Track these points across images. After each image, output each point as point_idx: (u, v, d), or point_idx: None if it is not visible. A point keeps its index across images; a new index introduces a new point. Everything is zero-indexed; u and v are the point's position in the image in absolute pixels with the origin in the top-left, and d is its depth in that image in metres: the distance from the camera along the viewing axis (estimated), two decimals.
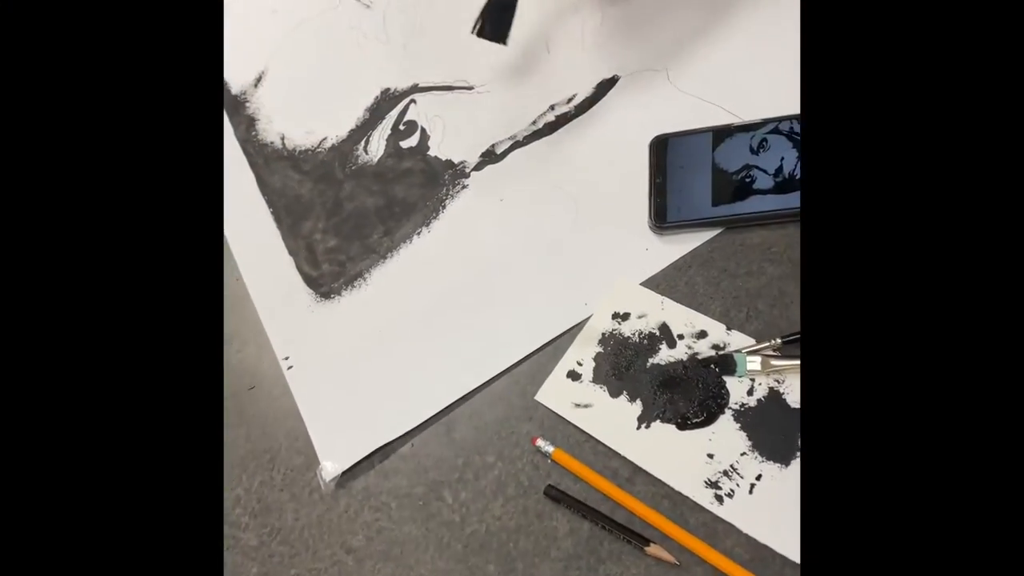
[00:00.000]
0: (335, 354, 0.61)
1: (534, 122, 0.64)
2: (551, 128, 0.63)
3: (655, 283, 0.55)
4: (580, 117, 0.63)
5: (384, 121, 0.70)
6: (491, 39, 0.59)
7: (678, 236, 0.55)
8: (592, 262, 0.57)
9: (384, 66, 0.72)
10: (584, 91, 0.64)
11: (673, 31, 0.62)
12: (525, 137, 0.64)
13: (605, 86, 0.63)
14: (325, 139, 0.71)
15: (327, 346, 0.62)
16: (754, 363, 0.49)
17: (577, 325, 0.55)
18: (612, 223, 0.58)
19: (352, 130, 0.71)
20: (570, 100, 0.64)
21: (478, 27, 0.59)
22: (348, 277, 0.64)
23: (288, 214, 0.69)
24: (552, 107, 0.64)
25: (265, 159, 0.73)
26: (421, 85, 0.70)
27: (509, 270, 0.59)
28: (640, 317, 0.54)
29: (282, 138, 0.73)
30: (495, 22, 0.59)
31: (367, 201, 0.67)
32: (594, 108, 0.63)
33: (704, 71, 0.60)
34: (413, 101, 0.69)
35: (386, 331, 0.61)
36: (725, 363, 0.50)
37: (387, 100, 0.71)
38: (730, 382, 0.50)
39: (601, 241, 0.57)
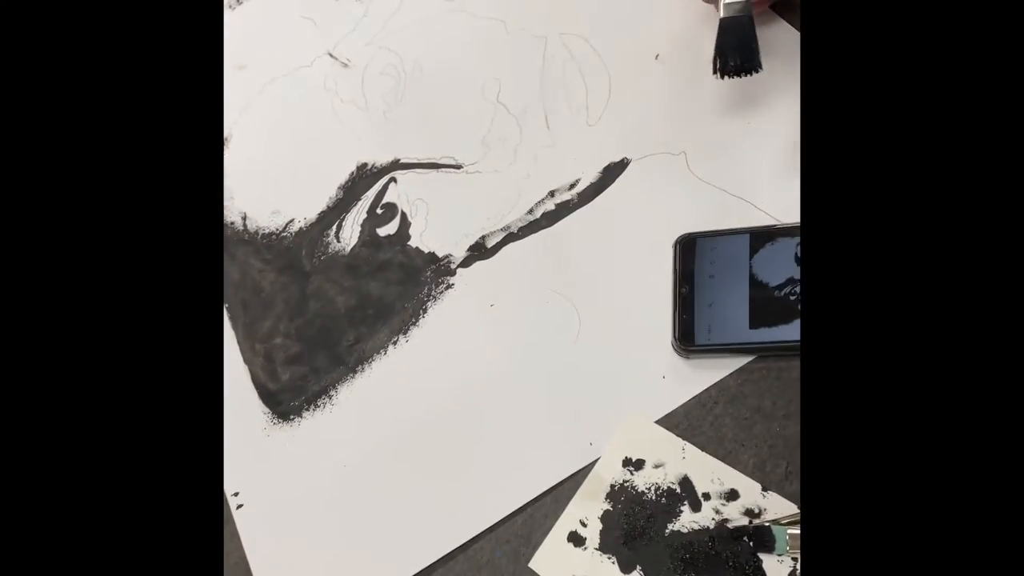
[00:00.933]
0: (291, 496, 0.52)
1: (531, 211, 0.55)
2: (550, 219, 0.54)
3: (675, 421, 0.45)
4: (584, 207, 0.54)
5: (359, 202, 0.61)
6: (746, 71, 0.48)
7: (702, 362, 0.46)
8: (599, 390, 0.48)
9: (362, 136, 0.63)
10: (589, 175, 0.54)
11: (694, 107, 0.53)
12: (520, 229, 0.55)
13: (614, 170, 0.54)
14: (292, 221, 0.62)
15: (283, 482, 0.52)
16: (796, 538, 0.40)
17: (581, 471, 0.46)
18: (623, 341, 0.48)
19: (323, 212, 0.61)
20: (572, 186, 0.54)
21: (721, 64, 0.49)
22: (311, 394, 0.55)
23: (246, 311, 0.60)
24: (552, 193, 0.55)
25: (224, 242, 0.63)
26: (403, 161, 0.61)
27: (500, 397, 0.50)
28: (657, 467, 0.44)
29: (244, 218, 0.64)
30: (742, 49, 0.48)
31: (337, 299, 0.57)
32: (601, 196, 0.53)
33: (731, 157, 0.51)
34: (393, 180, 0.60)
35: (352, 467, 0.51)
36: (761, 536, 0.41)
37: (364, 177, 0.61)
38: (768, 561, 0.40)
39: (610, 364, 0.48)
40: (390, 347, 0.54)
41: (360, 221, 0.60)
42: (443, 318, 0.54)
